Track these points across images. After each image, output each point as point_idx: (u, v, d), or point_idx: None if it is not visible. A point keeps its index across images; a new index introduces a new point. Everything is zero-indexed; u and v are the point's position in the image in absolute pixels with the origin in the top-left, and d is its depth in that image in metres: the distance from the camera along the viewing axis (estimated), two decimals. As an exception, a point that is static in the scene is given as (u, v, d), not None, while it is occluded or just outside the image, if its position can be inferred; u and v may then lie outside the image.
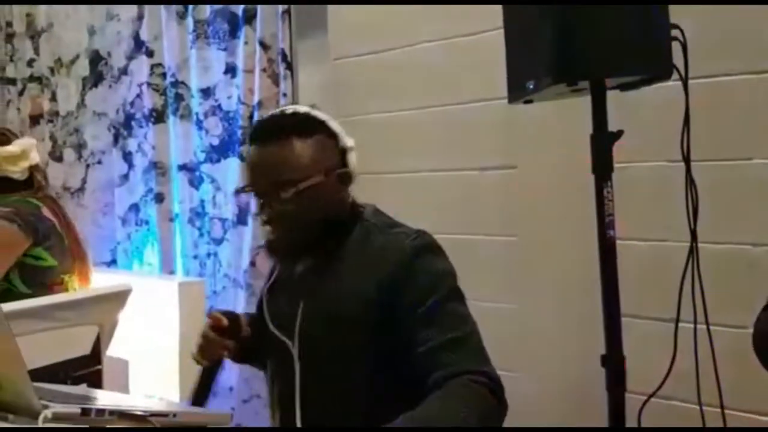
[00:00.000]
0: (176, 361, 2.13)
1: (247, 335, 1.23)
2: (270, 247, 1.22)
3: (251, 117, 2.42)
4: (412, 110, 2.11)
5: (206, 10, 2.54)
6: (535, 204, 1.88)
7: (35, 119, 3.14)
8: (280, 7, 2.35)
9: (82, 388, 1.47)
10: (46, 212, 1.93)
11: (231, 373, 2.46)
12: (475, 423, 0.97)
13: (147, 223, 2.79)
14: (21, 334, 0.96)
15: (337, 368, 1.14)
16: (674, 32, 1.18)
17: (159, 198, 2.72)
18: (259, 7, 2.38)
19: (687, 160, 1.24)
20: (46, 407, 0.87)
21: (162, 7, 2.64)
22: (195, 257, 2.64)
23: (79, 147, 3.00)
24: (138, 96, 2.78)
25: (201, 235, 2.63)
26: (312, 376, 1.15)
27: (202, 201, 2.62)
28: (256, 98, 2.41)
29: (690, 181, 1.25)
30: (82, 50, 2.96)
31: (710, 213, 1.30)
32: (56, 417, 0.85)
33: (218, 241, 2.57)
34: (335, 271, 1.17)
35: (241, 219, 2.45)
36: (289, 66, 2.35)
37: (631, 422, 1.23)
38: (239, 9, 2.45)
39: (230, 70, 2.50)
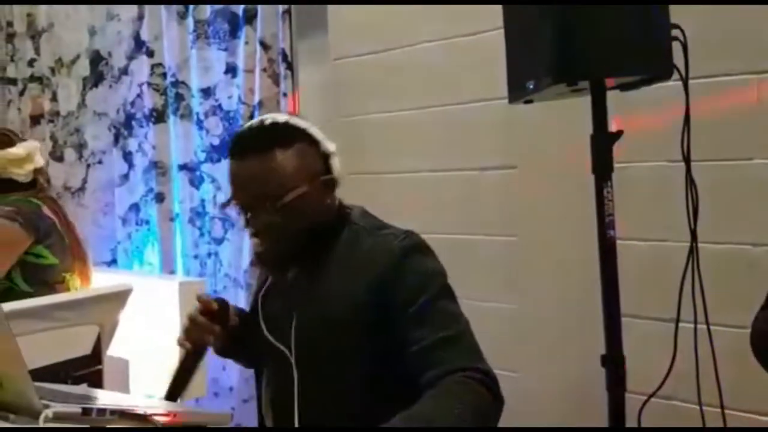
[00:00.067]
0: (177, 361, 2.13)
1: (235, 324, 1.23)
2: (260, 259, 1.23)
3: (252, 117, 2.42)
4: (412, 110, 2.11)
5: (207, 10, 2.54)
6: (535, 204, 1.88)
7: (36, 119, 3.14)
8: (281, 7, 2.35)
9: (82, 388, 1.47)
10: (46, 211, 1.94)
11: (231, 373, 2.47)
12: (470, 419, 0.97)
13: (147, 222, 2.79)
14: (22, 334, 0.96)
15: (334, 371, 1.14)
16: (674, 32, 1.18)
17: (159, 198, 2.72)
18: (260, 7, 2.38)
19: (687, 160, 1.24)
20: (47, 407, 0.87)
21: (162, 7, 2.64)
22: (195, 257, 2.65)
23: (80, 147, 3.00)
24: (138, 96, 2.78)
25: (201, 234, 2.63)
26: (309, 381, 1.15)
27: (203, 201, 2.62)
28: (256, 98, 2.41)
29: (690, 181, 1.25)
30: (83, 50, 2.96)
31: (710, 213, 1.30)
32: (57, 417, 0.86)
33: (219, 241, 2.58)
34: (326, 276, 1.17)
35: (241, 219, 2.46)
36: (290, 66, 2.35)
37: (631, 422, 1.23)
38: (240, 9, 2.45)
39: (231, 69, 2.50)
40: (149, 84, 2.71)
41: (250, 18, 2.41)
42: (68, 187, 3.03)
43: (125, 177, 2.85)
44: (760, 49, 1.53)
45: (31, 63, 3.14)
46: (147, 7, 2.70)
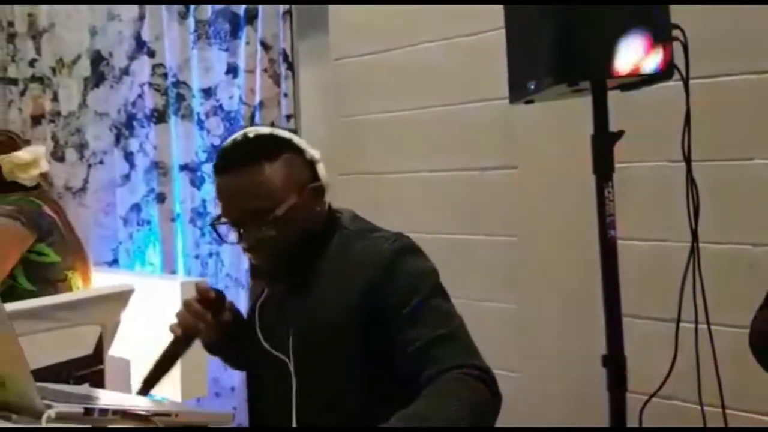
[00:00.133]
0: (178, 361, 2.13)
1: (228, 320, 1.23)
2: (256, 273, 1.23)
3: (252, 117, 2.43)
4: (413, 110, 2.11)
5: (207, 11, 2.54)
6: (535, 204, 1.88)
7: (37, 119, 3.15)
8: (282, 8, 2.35)
9: (84, 388, 1.47)
10: (47, 210, 1.95)
11: (232, 373, 2.47)
12: (468, 415, 0.97)
13: (149, 223, 2.79)
14: (24, 334, 0.96)
15: (331, 375, 1.15)
16: (675, 32, 1.18)
17: (160, 198, 2.72)
18: (261, 8, 2.39)
19: (688, 160, 1.25)
20: (49, 407, 0.87)
21: (163, 7, 2.65)
22: (196, 257, 2.65)
23: (81, 147, 3.01)
24: (139, 96, 2.79)
25: (202, 234, 2.63)
26: (307, 387, 1.16)
27: (204, 201, 2.63)
28: (257, 98, 2.41)
29: (691, 181, 1.25)
30: (84, 50, 2.96)
31: (711, 213, 1.30)
32: (59, 417, 0.86)
33: (220, 242, 2.58)
34: (319, 282, 1.18)
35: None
36: (291, 66, 2.35)
37: (632, 422, 1.23)
38: (240, 9, 2.45)
39: (231, 70, 2.50)
40: (150, 84, 2.71)
41: (251, 18, 2.41)
42: (69, 188, 3.03)
43: (126, 177, 2.85)
44: (760, 49, 1.53)
45: (32, 63, 3.14)
46: (148, 8, 2.70)
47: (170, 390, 2.18)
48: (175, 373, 2.18)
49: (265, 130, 1.20)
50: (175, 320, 1.19)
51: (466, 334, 1.10)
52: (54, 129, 3.09)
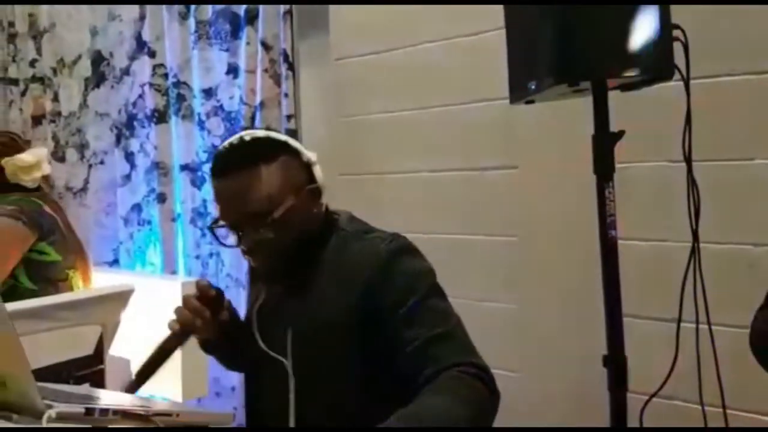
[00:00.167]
0: (178, 361, 2.13)
1: (225, 319, 1.23)
2: (255, 275, 1.24)
3: (253, 117, 2.43)
4: (413, 110, 2.11)
5: (208, 11, 2.54)
6: (536, 204, 1.88)
7: (37, 119, 3.15)
8: (282, 8, 2.35)
9: (84, 388, 1.47)
10: (47, 209, 1.96)
11: (233, 372, 2.47)
12: (467, 413, 0.97)
13: (149, 223, 2.79)
14: (24, 334, 0.96)
15: (329, 376, 1.15)
16: (675, 32, 1.18)
17: (161, 198, 2.72)
18: (261, 8, 2.39)
19: (688, 160, 1.25)
20: (49, 407, 0.87)
21: (164, 7, 2.65)
22: (197, 257, 2.65)
23: (82, 147, 3.01)
24: (140, 96, 2.79)
25: (203, 235, 2.63)
26: (306, 388, 1.16)
27: (204, 201, 2.63)
28: (258, 98, 2.41)
29: (691, 182, 1.25)
30: (85, 51, 2.96)
31: (712, 213, 1.30)
32: (60, 417, 0.86)
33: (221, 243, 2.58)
34: (317, 284, 1.18)
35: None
36: (291, 66, 2.35)
37: (632, 422, 1.23)
38: (241, 9, 2.45)
39: (232, 70, 2.50)
40: (151, 84, 2.71)
41: (252, 18, 2.41)
42: (70, 188, 3.04)
43: (127, 177, 2.85)
44: (761, 49, 1.53)
45: (32, 63, 3.15)
46: (148, 8, 2.70)
47: (171, 390, 2.18)
48: (175, 373, 2.20)
49: (261, 133, 1.20)
50: (173, 316, 1.19)
51: (463, 332, 1.11)
52: (55, 129, 3.09)
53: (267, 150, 1.16)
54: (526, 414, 1.79)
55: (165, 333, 1.19)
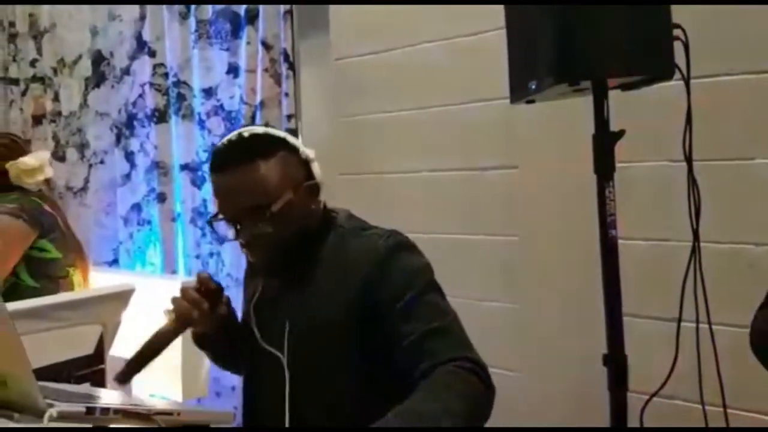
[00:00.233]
0: (179, 360, 2.14)
1: (223, 313, 1.23)
2: (253, 269, 1.25)
3: (253, 117, 2.43)
4: (413, 110, 2.11)
5: (208, 10, 2.54)
6: (536, 204, 1.88)
7: (38, 119, 3.15)
8: (282, 8, 2.35)
9: (85, 387, 1.48)
10: (47, 208, 1.98)
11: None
12: (463, 408, 0.97)
13: (149, 222, 2.79)
14: (25, 334, 0.96)
15: (327, 372, 1.15)
16: (676, 32, 1.18)
17: (161, 198, 2.72)
18: (261, 7, 2.39)
19: (689, 159, 1.25)
20: (51, 406, 0.87)
21: (164, 7, 2.65)
22: (197, 257, 2.65)
23: (82, 147, 3.01)
24: (140, 96, 2.79)
25: (203, 234, 2.63)
26: (302, 383, 1.16)
27: (205, 201, 2.63)
28: (258, 98, 2.41)
29: (692, 181, 1.25)
30: (85, 50, 2.96)
31: (712, 213, 1.30)
32: (61, 416, 0.86)
33: (221, 241, 2.58)
34: (315, 280, 1.19)
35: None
36: (291, 66, 2.35)
37: (633, 422, 1.23)
38: (241, 9, 2.45)
39: (232, 70, 2.50)
40: (151, 84, 2.71)
41: (252, 18, 2.41)
42: (70, 187, 3.04)
43: (127, 177, 2.85)
44: (761, 49, 1.53)
45: (33, 63, 3.15)
46: (149, 8, 2.70)
47: (171, 389, 2.19)
48: (175, 373, 2.20)
49: (260, 129, 1.21)
50: (170, 306, 1.19)
51: (459, 327, 1.12)
52: (55, 129, 3.09)
53: (265, 146, 1.17)
54: (526, 414, 1.80)
55: (161, 322, 1.18)
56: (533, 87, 1.23)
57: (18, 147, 2.03)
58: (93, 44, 2.93)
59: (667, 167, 1.60)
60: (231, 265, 2.54)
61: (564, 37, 1.16)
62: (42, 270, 1.91)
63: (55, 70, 3.08)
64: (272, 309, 1.23)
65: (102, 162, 2.95)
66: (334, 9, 2.25)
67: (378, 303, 1.11)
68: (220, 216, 1.18)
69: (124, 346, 1.83)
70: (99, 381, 1.60)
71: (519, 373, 1.87)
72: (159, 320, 1.18)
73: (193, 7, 2.58)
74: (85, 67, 2.96)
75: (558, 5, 1.15)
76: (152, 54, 2.70)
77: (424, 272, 1.16)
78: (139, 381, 2.12)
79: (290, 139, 1.21)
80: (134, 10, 2.76)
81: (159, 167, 2.71)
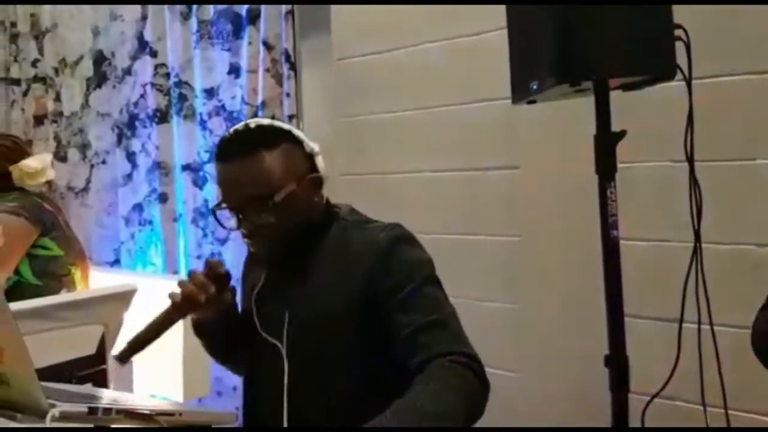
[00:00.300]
0: (180, 361, 2.14)
1: (229, 300, 1.23)
2: (254, 259, 1.26)
3: (255, 117, 2.43)
4: (415, 110, 2.11)
5: (210, 11, 2.55)
6: (537, 204, 1.88)
7: (39, 119, 3.15)
8: (284, 8, 2.35)
9: (87, 388, 1.48)
10: (47, 206, 1.99)
11: (234, 372, 2.47)
12: (459, 404, 0.98)
13: (150, 223, 2.79)
14: (27, 334, 0.96)
15: (327, 364, 1.16)
16: (677, 32, 1.18)
17: (163, 198, 2.72)
18: (263, 8, 2.39)
19: (690, 160, 1.25)
20: (53, 406, 0.87)
21: (166, 7, 2.65)
22: (199, 257, 2.65)
23: (83, 147, 3.01)
24: (142, 96, 2.79)
25: (205, 235, 2.63)
26: (301, 373, 1.17)
27: (206, 201, 2.63)
28: (259, 98, 2.41)
29: (693, 182, 1.25)
30: (86, 51, 2.96)
31: (714, 213, 1.30)
32: (64, 416, 0.86)
33: (222, 241, 2.58)
34: (317, 272, 1.20)
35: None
36: (293, 66, 2.35)
37: (634, 423, 1.23)
38: (243, 9, 2.45)
39: (234, 70, 2.50)
40: (152, 84, 2.72)
41: (254, 18, 2.41)
42: (72, 188, 3.04)
43: (128, 177, 2.85)
44: (763, 49, 1.53)
45: (34, 63, 3.15)
46: (150, 8, 2.70)
47: (172, 389, 2.19)
48: (177, 372, 2.20)
49: (266, 121, 1.23)
50: (177, 289, 1.19)
51: (457, 322, 1.12)
52: (56, 129, 3.09)
53: (270, 137, 1.18)
54: (526, 414, 1.80)
55: (166, 304, 1.18)
56: (534, 87, 1.23)
57: (20, 149, 2.04)
58: (94, 44, 2.93)
59: (669, 168, 1.60)
60: (232, 265, 2.54)
61: (565, 38, 1.16)
62: (44, 268, 1.92)
63: (56, 70, 3.08)
64: (273, 299, 1.24)
65: (103, 162, 2.95)
66: (335, 9, 2.25)
67: (378, 294, 1.13)
68: (224, 205, 1.19)
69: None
70: (101, 381, 1.60)
71: (519, 374, 1.87)
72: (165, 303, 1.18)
73: (194, 7, 2.58)
74: (87, 68, 2.97)
75: (559, 5, 1.15)
76: (154, 54, 2.70)
77: (426, 266, 1.17)
78: (140, 381, 2.13)
79: (295, 131, 1.23)
80: (136, 10, 2.77)
81: (160, 167, 2.72)
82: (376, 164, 2.20)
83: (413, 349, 1.06)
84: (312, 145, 1.23)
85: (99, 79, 2.93)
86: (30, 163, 1.99)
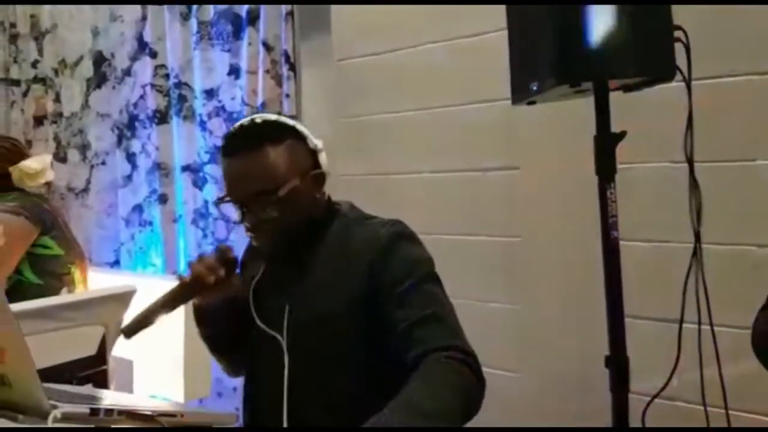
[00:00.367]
0: (181, 362, 2.14)
1: (236, 285, 1.24)
2: (257, 253, 1.26)
3: (255, 117, 2.43)
4: (415, 111, 2.12)
5: (210, 12, 2.55)
6: (537, 205, 1.89)
7: (39, 120, 3.15)
8: (284, 8, 2.35)
9: (88, 389, 1.48)
10: (47, 206, 1.99)
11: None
12: (456, 401, 0.99)
13: (151, 224, 2.79)
14: (28, 334, 0.96)
15: (326, 358, 1.16)
16: (677, 33, 1.19)
17: (162, 199, 2.72)
18: (263, 8, 2.39)
19: (690, 161, 1.25)
20: (54, 407, 0.88)
21: (165, 8, 2.65)
22: (198, 258, 2.65)
23: (83, 148, 3.01)
24: (141, 97, 2.79)
25: (205, 236, 2.64)
26: (301, 368, 1.17)
27: (206, 202, 2.63)
28: (259, 99, 2.42)
29: (693, 182, 1.26)
30: (86, 51, 2.97)
31: (714, 214, 1.30)
32: (65, 417, 0.86)
33: (222, 242, 2.58)
34: (318, 267, 1.21)
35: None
36: (293, 67, 2.36)
37: (634, 423, 1.23)
38: (243, 10, 2.45)
39: (234, 71, 2.50)
40: (152, 85, 2.72)
41: (253, 19, 2.42)
42: (72, 188, 3.04)
43: (128, 178, 2.86)
44: (762, 50, 1.53)
45: (34, 64, 3.15)
46: (150, 8, 2.71)
47: (173, 390, 2.19)
48: (178, 373, 2.20)
49: (272, 116, 1.25)
50: (186, 270, 1.20)
51: (454, 318, 1.13)
52: (56, 130, 3.09)
53: (275, 132, 1.20)
54: (528, 414, 1.80)
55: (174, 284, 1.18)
56: (534, 88, 1.23)
57: (19, 150, 2.05)
58: (94, 45, 2.93)
59: (669, 168, 1.60)
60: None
61: (565, 38, 1.16)
62: (45, 267, 1.93)
63: (56, 71, 3.08)
64: (272, 293, 1.24)
65: (103, 163, 2.95)
66: (335, 10, 2.26)
67: (378, 289, 1.13)
68: (227, 199, 1.20)
69: (126, 347, 1.84)
70: (101, 382, 1.59)
71: (519, 374, 1.87)
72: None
73: (194, 8, 2.58)
74: (87, 68, 2.97)
75: (559, 5, 1.16)
76: (153, 55, 2.70)
77: (426, 263, 1.18)
78: (140, 381, 2.12)
79: (300, 127, 1.24)
80: (135, 10, 2.77)
81: (160, 168, 2.72)
82: (377, 165, 2.20)
83: (409, 343, 1.07)
84: (316, 141, 1.24)
85: (99, 79, 2.93)
86: (30, 163, 2.00)
